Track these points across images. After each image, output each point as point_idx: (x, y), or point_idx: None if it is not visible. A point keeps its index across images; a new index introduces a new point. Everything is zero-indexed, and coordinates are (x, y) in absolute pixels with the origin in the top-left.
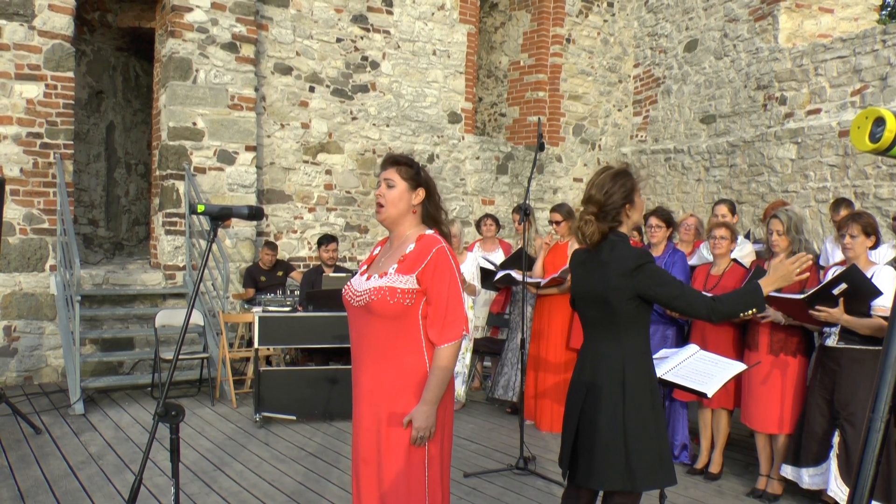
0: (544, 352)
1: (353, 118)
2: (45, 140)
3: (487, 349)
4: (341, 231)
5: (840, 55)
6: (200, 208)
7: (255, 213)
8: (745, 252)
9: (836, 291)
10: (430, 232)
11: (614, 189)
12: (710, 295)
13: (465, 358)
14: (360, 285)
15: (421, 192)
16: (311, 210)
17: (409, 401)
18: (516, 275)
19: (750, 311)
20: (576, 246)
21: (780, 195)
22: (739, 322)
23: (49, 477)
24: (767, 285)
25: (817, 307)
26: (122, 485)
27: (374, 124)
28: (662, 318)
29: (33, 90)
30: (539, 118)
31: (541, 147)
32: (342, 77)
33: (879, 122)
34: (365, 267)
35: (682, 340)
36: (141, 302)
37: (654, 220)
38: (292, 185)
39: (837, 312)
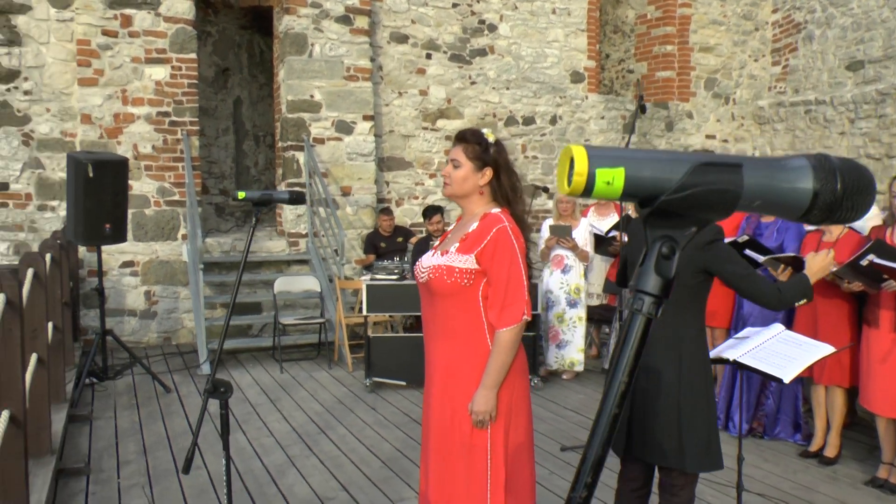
0: None
1: (472, 83)
2: (173, 118)
3: (602, 317)
4: None
5: None
6: (241, 195)
7: (296, 198)
8: (867, 215)
9: None
10: (496, 211)
11: None
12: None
13: (579, 327)
14: (426, 261)
15: (488, 172)
16: (431, 176)
17: (473, 382)
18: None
19: (804, 301)
20: None
21: None
22: (857, 294)
23: (170, 433)
24: (812, 276)
25: None
26: (231, 443)
27: (493, 88)
28: None
29: (160, 72)
30: (639, 79)
31: (642, 109)
32: (459, 42)
33: (572, 163)
34: (437, 242)
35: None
36: (266, 268)
37: None
38: (412, 151)
39: None
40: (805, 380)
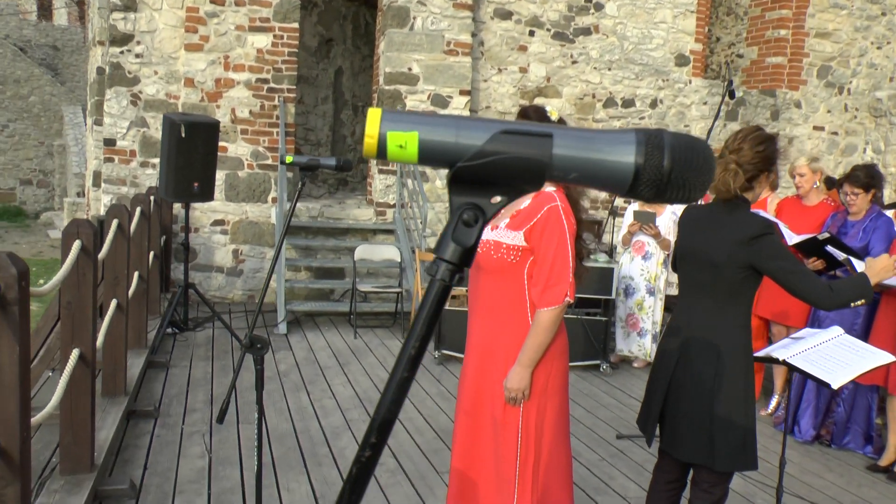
0: None
1: (574, 62)
2: (272, 85)
3: None
4: None
5: None
6: (289, 159)
7: (343, 165)
8: None
9: None
10: (550, 189)
11: (765, 151)
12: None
13: (654, 314)
14: None
15: None
16: None
17: (510, 359)
18: None
19: (861, 301)
20: (777, 200)
21: None
22: None
23: (238, 387)
24: (872, 277)
25: None
26: (293, 402)
27: (595, 68)
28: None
29: (263, 40)
30: (727, 62)
31: (731, 94)
32: (563, 20)
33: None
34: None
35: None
36: (353, 235)
37: (847, 188)
38: None
39: None
40: (881, 389)
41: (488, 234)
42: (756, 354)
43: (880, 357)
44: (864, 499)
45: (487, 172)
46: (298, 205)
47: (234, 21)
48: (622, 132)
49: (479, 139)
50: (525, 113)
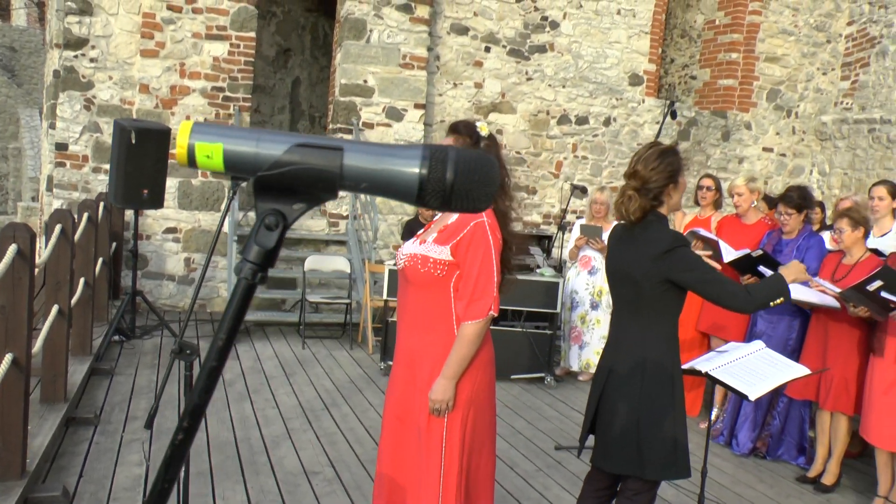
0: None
1: (528, 78)
2: (227, 93)
3: None
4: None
5: None
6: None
7: None
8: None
9: None
10: None
11: (660, 167)
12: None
13: (598, 328)
14: (406, 248)
15: None
16: None
17: (436, 371)
18: None
19: (778, 300)
20: (720, 218)
21: None
22: (868, 320)
23: (182, 395)
24: (787, 274)
25: None
26: (236, 411)
27: (549, 85)
28: (788, 307)
29: (219, 48)
30: (671, 85)
31: (672, 115)
32: (519, 37)
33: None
34: (422, 231)
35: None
36: (305, 246)
37: (781, 208)
38: None
39: None
40: (814, 404)
41: (416, 247)
42: (681, 367)
43: (796, 370)
44: None
45: (285, 181)
46: (251, 214)
47: (191, 28)
48: (411, 147)
49: (277, 150)
50: (455, 128)
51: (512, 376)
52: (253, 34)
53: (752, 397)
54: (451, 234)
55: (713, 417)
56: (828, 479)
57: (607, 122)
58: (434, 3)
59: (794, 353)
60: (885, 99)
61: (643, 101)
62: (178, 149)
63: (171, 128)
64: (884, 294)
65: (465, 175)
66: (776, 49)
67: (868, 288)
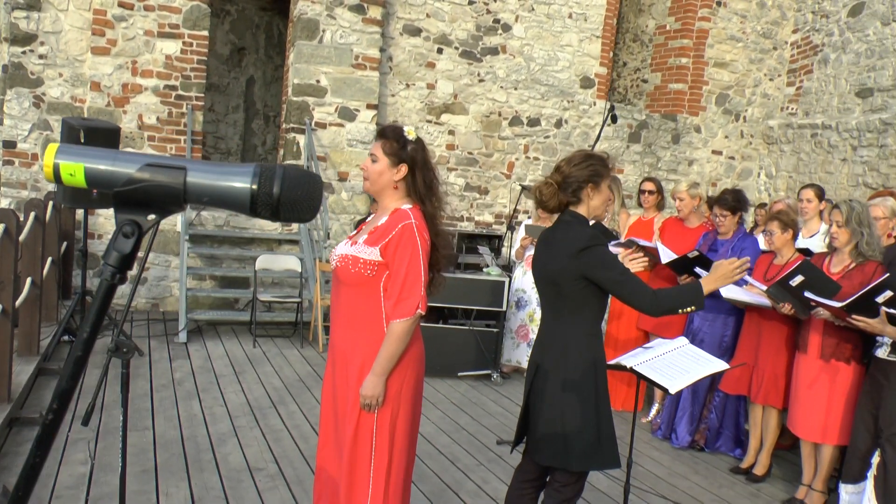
0: (622, 331)
1: (481, 80)
2: (180, 92)
3: None
4: (461, 191)
5: None
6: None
7: None
8: (817, 244)
9: (879, 299)
10: (406, 207)
11: (583, 166)
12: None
13: None
14: (339, 249)
15: (403, 168)
16: None
17: (367, 368)
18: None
19: (690, 308)
20: (661, 221)
21: None
22: (791, 318)
23: (130, 395)
24: (707, 284)
25: (854, 316)
26: (184, 410)
27: (501, 87)
28: (724, 306)
29: (172, 47)
30: (611, 89)
31: (613, 119)
32: (472, 39)
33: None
34: (354, 232)
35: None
36: (258, 245)
37: (716, 210)
38: None
39: (877, 322)
40: (747, 398)
41: (348, 248)
42: (608, 363)
43: (716, 365)
44: (723, 498)
45: (138, 195)
46: (204, 213)
47: (143, 26)
48: (245, 165)
49: (131, 169)
50: (383, 132)
51: (459, 374)
52: (206, 32)
53: (672, 391)
54: (381, 235)
55: (653, 412)
56: (759, 470)
57: (559, 124)
58: (386, 4)
59: (729, 350)
60: (827, 105)
61: (594, 104)
62: (45, 167)
63: (122, 126)
64: (806, 293)
65: (290, 190)
66: (725, 55)
67: (791, 283)
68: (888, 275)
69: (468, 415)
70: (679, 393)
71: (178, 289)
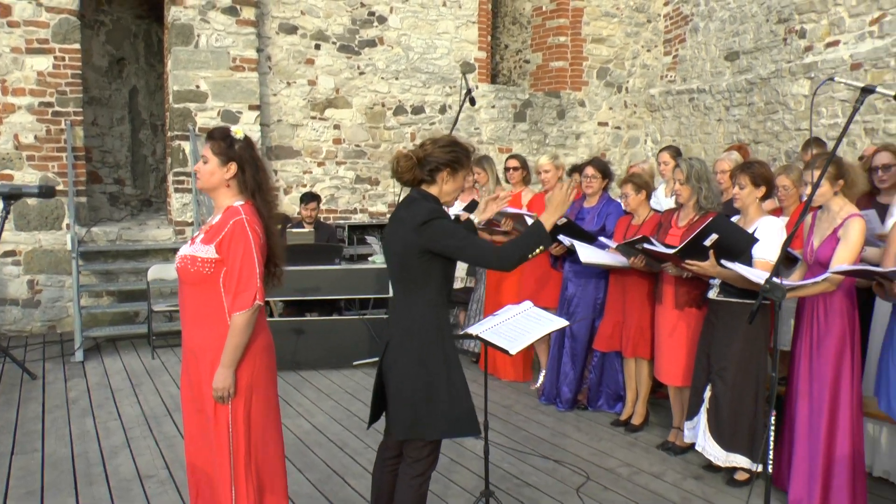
0: (504, 300)
1: (361, 73)
2: (56, 108)
3: (464, 300)
4: (351, 184)
5: None
6: None
7: (45, 192)
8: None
9: (707, 243)
10: (238, 203)
11: (447, 149)
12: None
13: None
14: (181, 250)
15: (232, 167)
16: (320, 164)
17: (216, 362)
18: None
19: (538, 249)
20: (530, 196)
21: (793, 133)
22: (650, 273)
23: (20, 419)
24: (547, 218)
25: (688, 261)
26: (77, 428)
27: (382, 78)
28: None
29: (43, 62)
30: (464, 73)
31: (471, 101)
32: (348, 33)
33: None
34: (196, 233)
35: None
36: (153, 256)
37: (589, 171)
38: (300, 140)
39: (708, 265)
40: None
41: (187, 248)
42: (458, 332)
43: (556, 323)
44: (602, 450)
45: None
46: (95, 229)
47: (9, 43)
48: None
49: None
50: (211, 135)
51: (354, 363)
52: (78, 45)
53: (513, 352)
54: (215, 233)
55: (541, 380)
56: (636, 420)
57: (443, 110)
58: (259, 4)
59: (603, 310)
60: (701, 70)
61: (477, 87)
62: None
63: None
64: (646, 246)
65: None
66: (601, 31)
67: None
68: (711, 219)
69: (361, 402)
70: (559, 358)
71: (73, 309)
